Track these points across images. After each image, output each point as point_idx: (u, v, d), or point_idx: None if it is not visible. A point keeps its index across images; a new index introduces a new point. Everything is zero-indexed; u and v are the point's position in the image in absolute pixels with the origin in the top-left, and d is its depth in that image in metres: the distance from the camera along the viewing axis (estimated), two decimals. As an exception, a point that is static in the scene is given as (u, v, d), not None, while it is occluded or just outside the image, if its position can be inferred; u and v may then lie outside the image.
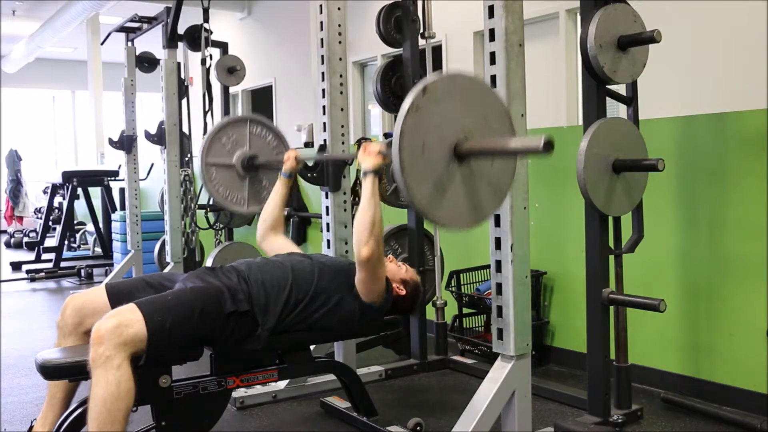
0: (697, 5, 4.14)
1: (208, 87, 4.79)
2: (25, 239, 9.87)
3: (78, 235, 9.02)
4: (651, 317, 2.68)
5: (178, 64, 4.94)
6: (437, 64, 4.80)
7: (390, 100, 3.49)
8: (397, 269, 2.55)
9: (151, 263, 5.83)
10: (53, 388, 2.27)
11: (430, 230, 3.58)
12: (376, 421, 2.68)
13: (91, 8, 9.02)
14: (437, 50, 6.12)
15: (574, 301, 3.37)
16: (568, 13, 5.17)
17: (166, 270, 4.93)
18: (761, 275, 2.70)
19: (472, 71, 5.94)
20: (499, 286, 2.29)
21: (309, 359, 2.54)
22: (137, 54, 5.84)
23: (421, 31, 3.47)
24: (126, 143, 5.81)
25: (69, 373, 2.07)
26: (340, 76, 3.06)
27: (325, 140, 3.06)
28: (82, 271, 6.98)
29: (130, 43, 5.84)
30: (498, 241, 2.28)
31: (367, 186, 2.25)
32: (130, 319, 1.99)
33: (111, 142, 5.88)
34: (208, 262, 4.87)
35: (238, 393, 3.00)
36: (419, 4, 3.47)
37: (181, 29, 5.02)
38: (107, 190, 7.69)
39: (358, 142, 4.78)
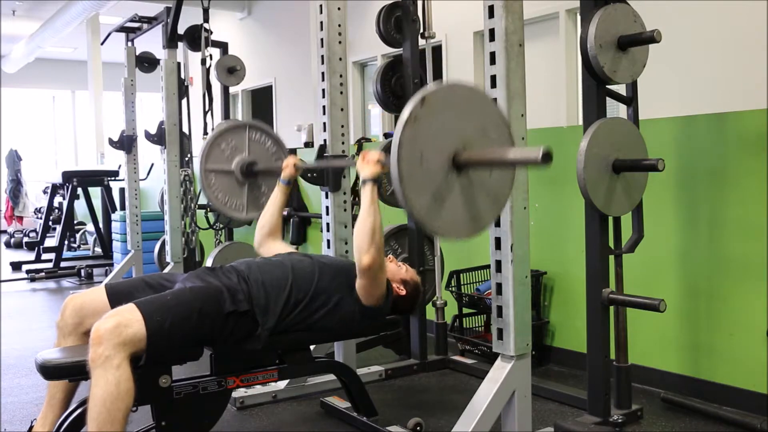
0: (697, 5, 4.15)
1: (208, 87, 4.79)
2: (25, 239, 9.87)
3: (78, 235, 9.02)
4: (651, 317, 2.68)
5: (178, 64, 4.94)
6: (437, 64, 4.80)
7: (390, 100, 3.49)
8: (397, 269, 2.55)
9: (151, 263, 5.84)
10: (53, 388, 2.27)
11: (430, 230, 3.57)
12: (376, 421, 2.68)
13: (91, 8, 9.02)
14: (437, 50, 6.13)
15: (574, 301, 3.37)
16: (568, 13, 5.18)
17: (166, 270, 4.93)
18: (761, 275, 2.70)
19: (473, 70, 5.95)
20: (499, 286, 2.29)
21: (309, 359, 2.54)
22: (137, 54, 5.84)
23: (421, 31, 3.47)
24: (126, 143, 5.81)
25: (69, 373, 2.07)
26: (340, 76, 3.06)
27: (325, 140, 3.06)
28: (82, 271, 6.98)
29: (130, 43, 5.84)
30: (498, 241, 2.28)
31: (367, 194, 2.26)
32: (130, 319, 1.99)
33: (111, 142, 5.88)
34: (208, 262, 4.87)
35: (238, 393, 3.00)
36: (419, 4, 3.47)
37: (181, 29, 5.03)
38: (107, 190, 7.69)
39: (359, 142, 4.81)
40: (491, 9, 2.23)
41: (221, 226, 5.23)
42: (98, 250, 8.00)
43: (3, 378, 3.54)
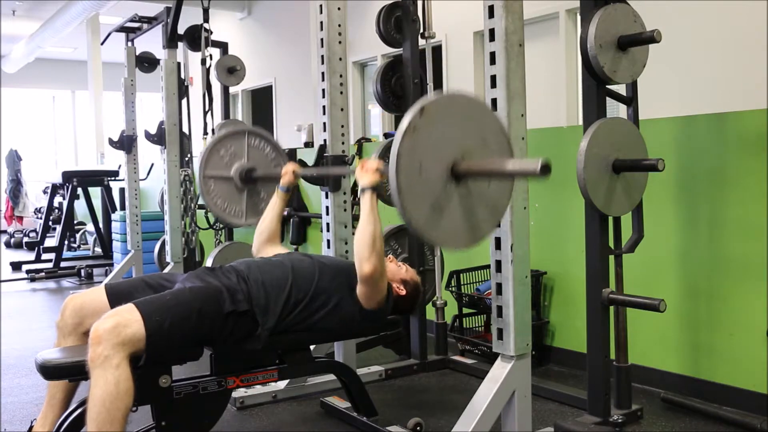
0: (697, 5, 4.15)
1: (208, 87, 4.79)
2: (25, 239, 9.87)
3: (78, 235, 9.02)
4: (651, 317, 2.68)
5: (178, 64, 4.94)
6: (437, 64, 4.80)
7: (390, 100, 3.49)
8: (397, 269, 2.55)
9: (151, 263, 5.83)
10: (53, 388, 2.27)
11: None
12: (376, 421, 2.68)
13: (91, 8, 9.02)
14: (437, 50, 6.13)
15: (574, 301, 3.37)
16: (568, 13, 5.18)
17: (166, 270, 4.93)
18: (761, 275, 2.70)
19: (473, 70, 5.95)
20: (499, 286, 2.28)
21: (309, 359, 2.54)
22: (137, 54, 5.84)
23: (421, 31, 3.47)
24: (126, 143, 5.81)
25: (69, 373, 2.07)
26: (340, 76, 3.06)
27: (325, 140, 3.06)
28: (82, 271, 6.98)
29: (130, 43, 5.84)
30: (498, 241, 2.28)
31: (366, 202, 2.26)
32: (129, 319, 1.99)
33: (111, 142, 5.87)
34: (208, 262, 4.87)
35: (238, 393, 3.00)
36: (419, 4, 3.47)
37: (181, 29, 5.03)
38: (107, 190, 7.69)
39: (359, 142, 4.81)
40: (491, 9, 2.23)
41: (221, 226, 5.23)
42: (98, 250, 8.00)
43: (3, 378, 3.54)
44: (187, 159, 5.00)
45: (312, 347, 2.77)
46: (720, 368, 2.87)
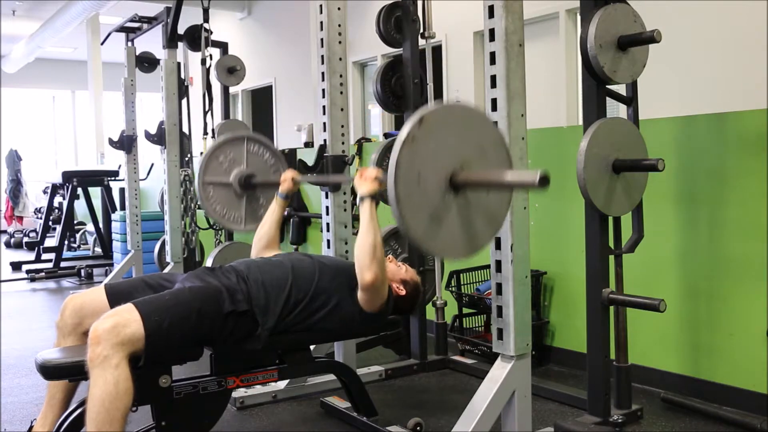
0: (697, 5, 4.15)
1: (208, 87, 4.79)
2: (25, 239, 9.88)
3: (78, 235, 9.02)
4: (651, 317, 2.68)
5: (178, 64, 4.94)
6: (437, 64, 4.80)
7: (390, 100, 3.49)
8: (397, 269, 2.55)
9: (151, 263, 5.83)
10: (53, 388, 2.27)
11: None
12: (376, 421, 2.68)
13: (91, 8, 9.03)
14: (437, 50, 6.13)
15: (574, 301, 3.37)
16: (568, 13, 5.18)
17: (166, 270, 4.93)
18: (761, 275, 2.70)
19: (473, 70, 5.95)
20: (499, 286, 2.28)
21: (309, 359, 2.54)
22: (137, 54, 5.84)
23: (421, 31, 3.47)
24: (126, 143, 5.81)
25: (69, 373, 2.07)
26: (340, 76, 3.06)
27: (325, 140, 3.06)
28: (82, 271, 6.98)
29: (130, 43, 5.84)
30: (498, 241, 2.28)
31: (365, 211, 2.27)
32: (128, 318, 1.99)
33: (111, 142, 5.87)
34: (208, 262, 4.87)
35: (238, 393, 3.00)
36: (419, 4, 3.47)
37: (181, 29, 5.03)
38: (107, 190, 7.69)
39: (359, 142, 4.81)
40: (491, 9, 2.23)
41: (221, 226, 5.23)
42: (98, 250, 8.00)
43: (3, 378, 3.54)
44: (187, 159, 5.01)
45: (312, 347, 2.77)
46: (720, 368, 2.87)
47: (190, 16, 5.24)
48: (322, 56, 3.04)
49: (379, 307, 2.36)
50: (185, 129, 5.08)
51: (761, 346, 2.69)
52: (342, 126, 3.07)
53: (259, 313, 2.24)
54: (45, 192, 10.04)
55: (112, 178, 7.64)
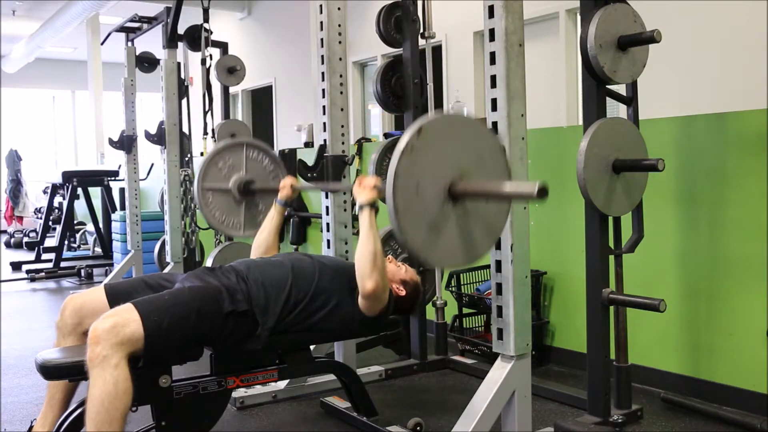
0: (697, 5, 4.15)
1: (208, 87, 4.79)
2: (25, 239, 9.87)
3: (78, 235, 9.02)
4: (651, 317, 2.68)
5: (178, 64, 4.94)
6: (437, 64, 4.80)
7: (390, 100, 3.49)
8: (397, 270, 2.55)
9: (151, 263, 5.83)
10: (53, 388, 2.27)
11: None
12: (376, 421, 2.68)
13: (91, 8, 9.03)
14: (437, 50, 6.13)
15: (574, 301, 3.37)
16: (568, 13, 5.18)
17: (166, 270, 4.93)
18: (761, 275, 2.70)
19: (473, 70, 5.95)
20: (499, 286, 2.28)
21: (309, 359, 2.54)
22: (137, 54, 5.84)
23: (421, 31, 3.47)
24: (126, 143, 5.81)
25: (69, 373, 2.07)
26: (340, 76, 3.06)
27: (325, 140, 3.06)
28: (82, 271, 6.98)
29: (130, 43, 5.84)
30: (498, 241, 2.27)
31: (364, 219, 2.27)
32: (127, 318, 1.99)
33: (111, 142, 5.88)
34: (208, 262, 4.87)
35: (238, 393, 3.00)
36: (419, 4, 3.47)
37: (181, 29, 5.03)
38: (107, 190, 7.69)
39: (359, 142, 4.81)
40: (491, 9, 2.23)
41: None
42: (98, 250, 8.00)
43: (3, 378, 3.54)
44: (187, 159, 5.01)
45: (312, 347, 2.77)
46: (720, 368, 2.87)
47: (190, 16, 5.24)
48: (322, 56, 3.04)
49: (379, 311, 2.36)
50: (185, 129, 5.08)
51: (761, 346, 2.69)
52: (342, 126, 3.07)
53: (259, 313, 2.24)
54: (45, 192, 10.04)
55: (112, 178, 7.64)
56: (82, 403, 2.02)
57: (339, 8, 3.04)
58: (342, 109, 3.07)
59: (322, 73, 3.05)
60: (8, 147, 11.33)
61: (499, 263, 2.28)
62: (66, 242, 7.86)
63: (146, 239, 5.92)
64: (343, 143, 3.08)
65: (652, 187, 2.63)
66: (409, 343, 3.55)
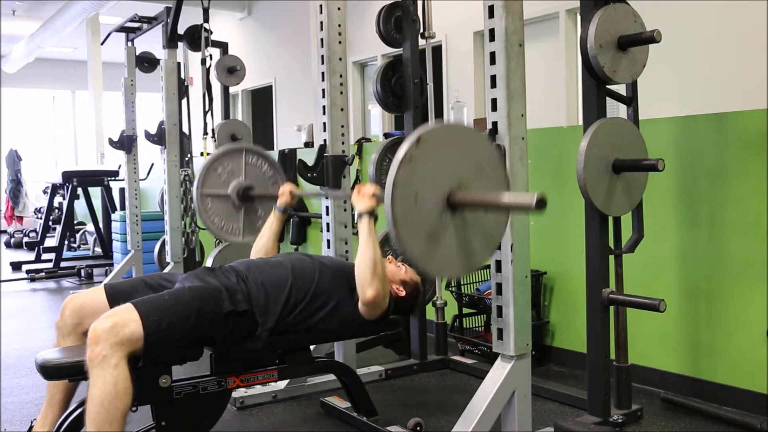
0: (697, 5, 4.15)
1: (208, 87, 4.79)
2: (25, 239, 9.87)
3: (78, 235, 9.02)
4: (651, 317, 2.68)
5: (178, 64, 4.94)
6: (437, 64, 4.80)
7: (390, 100, 3.49)
8: (397, 270, 2.55)
9: (151, 263, 5.83)
10: (53, 388, 2.27)
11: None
12: (376, 421, 2.68)
13: (91, 8, 9.03)
14: (437, 50, 6.13)
15: (574, 301, 3.37)
16: (568, 13, 5.18)
17: (166, 270, 4.92)
18: (761, 275, 2.70)
19: (472, 70, 5.95)
20: (499, 286, 2.28)
21: (309, 359, 2.54)
22: (137, 54, 5.84)
23: (421, 31, 3.47)
24: (126, 143, 5.81)
25: (69, 373, 2.07)
26: (340, 76, 3.06)
27: (325, 140, 3.06)
28: (82, 271, 6.98)
29: (130, 43, 5.84)
30: (498, 241, 2.28)
31: (363, 227, 2.27)
32: (127, 318, 1.99)
33: (111, 142, 5.88)
34: (208, 262, 4.86)
35: (238, 393, 3.00)
36: (419, 4, 3.47)
37: (181, 29, 5.03)
38: (107, 190, 7.69)
39: (359, 142, 4.81)
40: (491, 9, 2.23)
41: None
42: (98, 250, 8.00)
43: (3, 378, 3.54)
44: (187, 159, 5.00)
45: (312, 347, 2.77)
46: (720, 368, 2.87)
47: (190, 16, 5.24)
48: (322, 56, 3.04)
49: (379, 315, 2.36)
50: (185, 129, 5.08)
51: (761, 346, 2.69)
52: (342, 126, 3.07)
53: (258, 313, 2.24)
54: (45, 192, 10.04)
55: (112, 178, 7.64)
56: (82, 403, 2.02)
57: (339, 8, 3.04)
58: (342, 109, 3.07)
59: (322, 73, 3.05)
60: (8, 147, 11.33)
61: (499, 263, 2.28)
62: (66, 242, 7.86)
63: (146, 239, 5.92)
64: (343, 143, 3.08)
65: (652, 187, 2.63)
66: (409, 343, 3.55)
